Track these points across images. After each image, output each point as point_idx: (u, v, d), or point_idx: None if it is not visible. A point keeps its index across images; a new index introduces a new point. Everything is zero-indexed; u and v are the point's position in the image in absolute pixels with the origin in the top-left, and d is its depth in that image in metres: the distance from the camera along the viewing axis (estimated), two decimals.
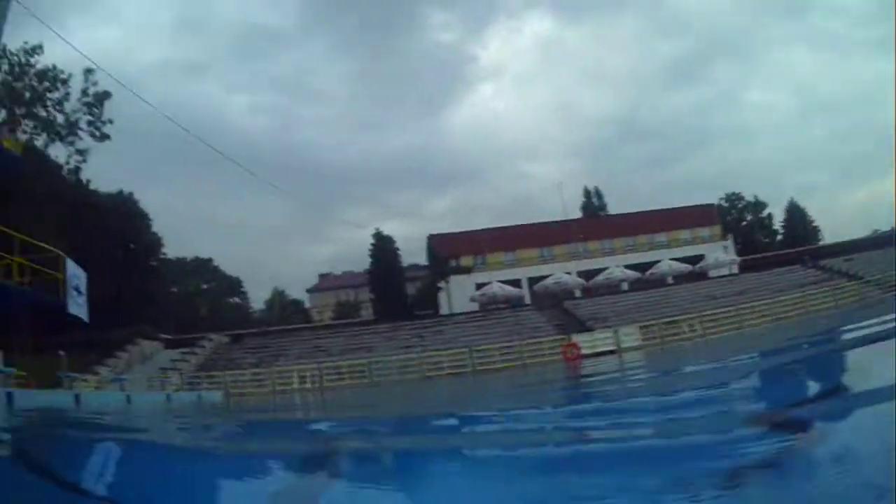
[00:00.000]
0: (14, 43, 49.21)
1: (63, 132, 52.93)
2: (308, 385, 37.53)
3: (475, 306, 56.33)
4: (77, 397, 18.88)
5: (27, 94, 50.87)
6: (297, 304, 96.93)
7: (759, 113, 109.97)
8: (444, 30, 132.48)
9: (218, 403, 27.69)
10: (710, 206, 77.02)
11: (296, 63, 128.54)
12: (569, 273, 58.91)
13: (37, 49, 50.29)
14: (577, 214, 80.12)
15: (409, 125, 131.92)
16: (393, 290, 65.24)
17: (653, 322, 40.66)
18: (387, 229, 71.38)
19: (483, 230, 71.47)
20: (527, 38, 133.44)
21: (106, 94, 53.58)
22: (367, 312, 73.11)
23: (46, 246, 23.23)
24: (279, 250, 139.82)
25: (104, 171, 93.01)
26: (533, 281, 60.61)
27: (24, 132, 43.29)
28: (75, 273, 21.92)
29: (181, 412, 21.57)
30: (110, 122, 54.60)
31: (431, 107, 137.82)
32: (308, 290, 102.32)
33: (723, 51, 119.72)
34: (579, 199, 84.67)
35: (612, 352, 36.18)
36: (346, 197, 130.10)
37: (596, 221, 76.72)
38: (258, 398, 33.55)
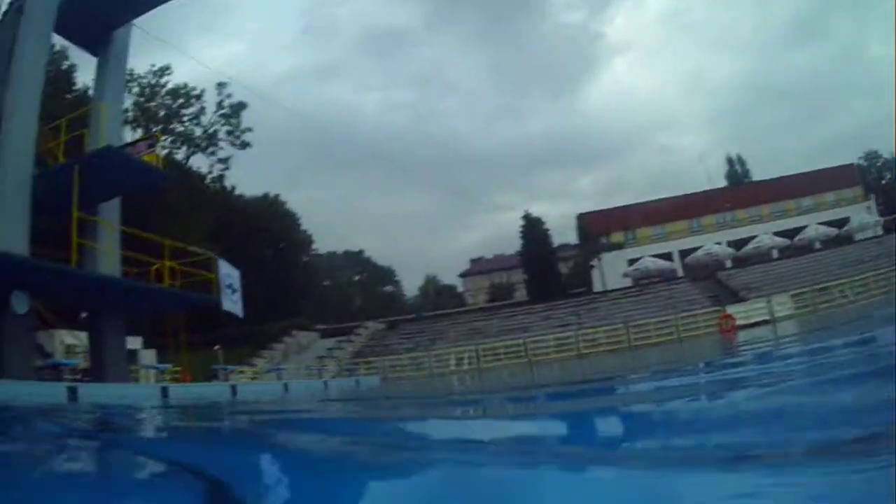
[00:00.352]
0: (141, 66, 51.93)
1: (203, 144, 55.32)
2: (465, 367, 37.69)
3: (628, 282, 55.37)
4: (234, 388, 19.46)
5: (161, 113, 53.40)
6: (450, 289, 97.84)
7: (881, 65, 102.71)
8: (569, 10, 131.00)
9: (376, 388, 28.09)
10: (850, 166, 71.97)
11: (426, 58, 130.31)
12: (719, 243, 56.97)
13: (165, 70, 52.89)
14: (723, 183, 77.68)
15: (546, 107, 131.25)
16: (546, 270, 64.60)
17: (805, 290, 38.69)
18: (535, 211, 71.05)
19: (631, 205, 70.53)
20: (650, 9, 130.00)
21: (241, 105, 55.72)
22: (520, 294, 72.89)
23: (197, 249, 24.29)
24: (429, 238, 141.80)
25: (249, 177, 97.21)
26: (684, 253, 58.80)
27: (164, 147, 45.32)
28: (228, 272, 22.66)
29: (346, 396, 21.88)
30: (249, 130, 56.62)
31: (565, 87, 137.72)
32: (460, 275, 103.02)
33: (840, 4, 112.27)
34: (722, 168, 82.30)
35: (765, 322, 34.65)
36: (492, 182, 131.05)
37: (741, 189, 73.37)
38: (416, 382, 33.86)
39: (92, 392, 14.21)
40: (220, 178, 57.92)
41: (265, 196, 63.11)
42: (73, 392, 13.20)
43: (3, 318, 15.24)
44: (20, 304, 15.52)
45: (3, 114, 16.88)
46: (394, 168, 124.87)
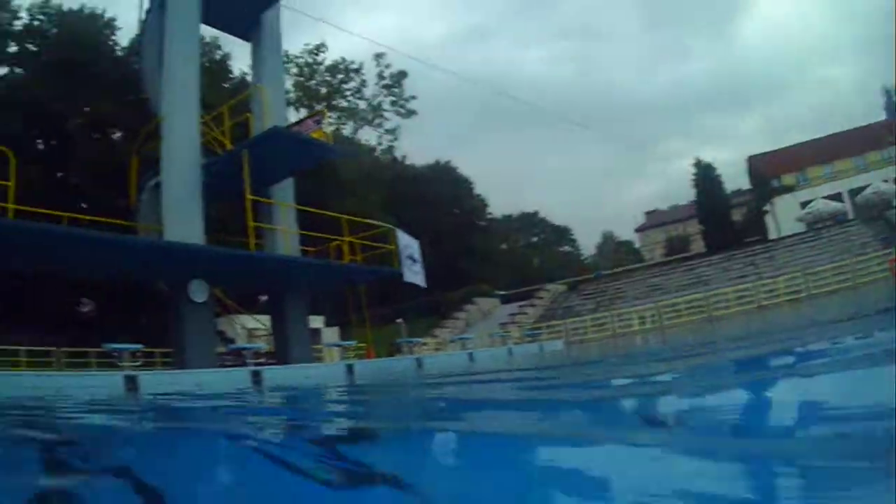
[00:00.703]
0: (296, 47, 52.99)
1: (368, 117, 55.95)
2: (648, 325, 36.44)
3: (802, 227, 52.06)
4: (419, 361, 19.15)
5: (323, 90, 54.32)
6: (627, 245, 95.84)
7: None
8: None
9: (559, 352, 27.32)
10: None
11: (581, 6, 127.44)
12: (885, 181, 52.61)
13: (321, 47, 53.73)
14: (882, 116, 71.83)
15: (703, 47, 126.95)
16: (720, 218, 61.96)
17: None
18: (705, 156, 68.24)
19: (798, 144, 66.46)
20: None
21: (402, 74, 55.96)
22: (697, 245, 70.43)
23: (374, 222, 24.19)
24: (603, 193, 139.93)
25: (419, 145, 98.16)
26: (853, 193, 54.74)
27: (330, 124, 46.11)
28: (408, 243, 22.32)
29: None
30: (413, 98, 56.73)
31: (719, 24, 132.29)
32: (636, 230, 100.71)
33: None
34: (880, 100, 76.20)
35: None
36: (659, 129, 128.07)
37: None
38: (599, 343, 32.89)
39: (276, 374, 14.17)
40: (390, 149, 58.71)
41: (436, 163, 63.45)
42: (256, 376, 13.15)
43: (184, 308, 15.40)
44: (199, 293, 15.63)
45: (162, 111, 17.10)
46: (561, 122, 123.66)
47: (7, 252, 14.54)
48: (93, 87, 36.13)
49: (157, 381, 12.13)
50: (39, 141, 37.94)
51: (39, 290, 33.20)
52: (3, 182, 13.24)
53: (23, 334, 26.67)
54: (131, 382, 11.09)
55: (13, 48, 38.55)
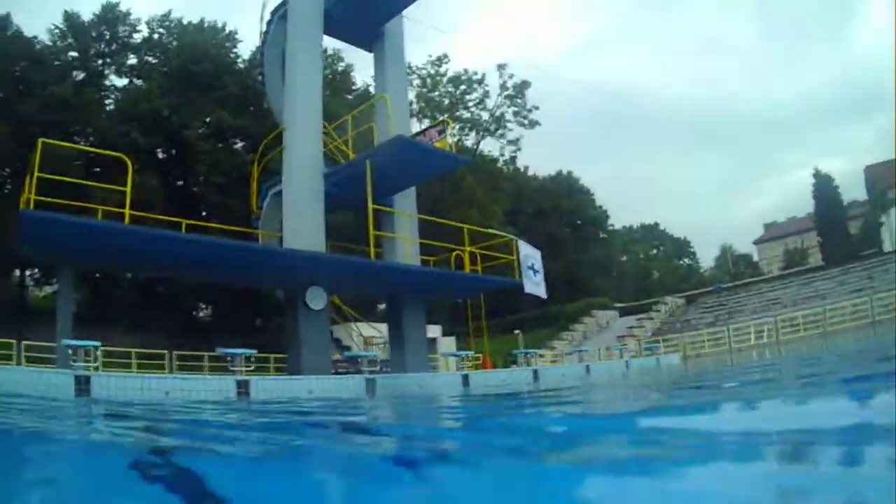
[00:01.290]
0: (418, 58, 53.47)
1: (491, 127, 55.84)
2: (764, 340, 35.37)
3: None
4: (535, 373, 18.97)
5: (445, 101, 54.54)
6: (745, 258, 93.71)
7: None
8: None
9: (675, 366, 26.76)
10: None
11: (696, 16, 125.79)
12: None
13: (443, 58, 53.95)
14: None
15: (818, 54, 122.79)
16: (838, 230, 59.67)
17: None
18: (823, 167, 66.03)
19: None
20: None
21: (525, 84, 55.42)
22: (814, 259, 68.23)
23: (496, 232, 24.15)
24: (723, 206, 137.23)
25: (541, 156, 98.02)
26: None
27: (452, 135, 46.34)
28: (529, 254, 22.08)
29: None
30: (536, 108, 56.31)
31: (835, 31, 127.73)
32: (755, 243, 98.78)
33: None
34: None
35: None
36: (777, 140, 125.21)
37: None
38: (715, 358, 32.10)
39: (390, 383, 14.28)
40: (513, 159, 58.47)
41: (558, 174, 63.16)
42: (370, 384, 13.30)
43: (300, 315, 15.66)
44: (316, 300, 15.86)
45: (285, 121, 17.49)
46: (680, 132, 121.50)
47: (125, 257, 15.06)
48: (214, 99, 37.25)
49: (269, 387, 12.40)
50: (159, 150, 39.31)
51: (156, 294, 34.46)
52: (122, 188, 13.70)
53: (141, 337, 27.61)
54: (242, 387, 11.37)
55: (132, 60, 40.13)
